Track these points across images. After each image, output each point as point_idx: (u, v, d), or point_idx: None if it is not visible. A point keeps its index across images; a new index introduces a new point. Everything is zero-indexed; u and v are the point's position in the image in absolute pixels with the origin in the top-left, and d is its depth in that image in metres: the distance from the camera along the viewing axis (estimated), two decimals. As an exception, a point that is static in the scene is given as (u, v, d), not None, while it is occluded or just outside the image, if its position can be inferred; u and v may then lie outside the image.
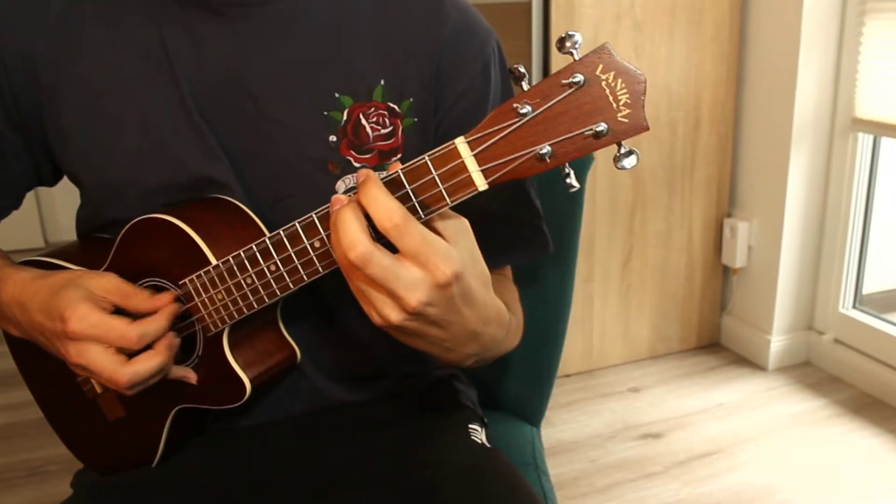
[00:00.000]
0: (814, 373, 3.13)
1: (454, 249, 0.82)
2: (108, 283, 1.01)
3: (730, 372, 3.18)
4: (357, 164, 1.07)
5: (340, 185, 1.07)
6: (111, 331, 0.97)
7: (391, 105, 1.07)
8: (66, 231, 4.49)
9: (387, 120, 1.07)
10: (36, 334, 1.05)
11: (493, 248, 0.92)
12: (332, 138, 1.06)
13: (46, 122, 1.09)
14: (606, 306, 3.15)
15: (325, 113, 1.06)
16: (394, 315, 0.82)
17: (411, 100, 1.08)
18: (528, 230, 1.18)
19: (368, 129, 1.07)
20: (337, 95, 1.06)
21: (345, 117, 1.06)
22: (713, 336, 3.39)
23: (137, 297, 1.01)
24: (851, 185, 2.93)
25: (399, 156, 1.08)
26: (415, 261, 0.80)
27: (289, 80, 1.06)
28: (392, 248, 0.80)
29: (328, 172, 1.07)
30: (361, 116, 1.07)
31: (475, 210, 0.87)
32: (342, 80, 1.07)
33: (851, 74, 2.84)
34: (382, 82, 1.07)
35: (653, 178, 3.03)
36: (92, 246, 1.16)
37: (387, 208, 0.78)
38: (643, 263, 3.14)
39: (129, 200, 1.08)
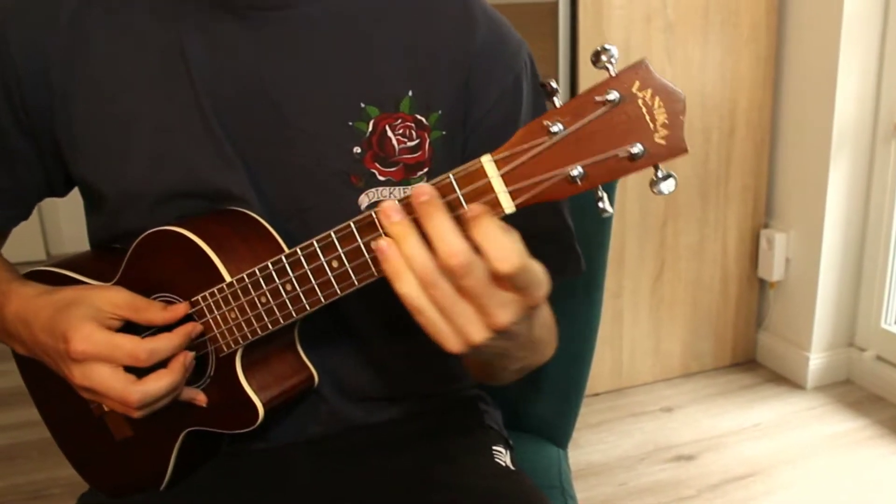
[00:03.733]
0: (855, 391, 3.12)
1: (543, 271, 0.81)
2: (116, 297, 1.02)
3: (766, 390, 3.17)
4: (381, 178, 1.08)
5: (364, 200, 1.07)
6: (118, 349, 0.98)
7: (418, 117, 1.08)
8: (70, 243, 4.49)
9: (413, 132, 1.08)
10: (41, 354, 1.06)
11: None
12: (357, 150, 1.07)
13: (57, 126, 1.09)
14: (637, 322, 3.16)
15: (350, 123, 1.06)
16: (478, 334, 0.80)
17: (439, 112, 1.09)
18: (559, 249, 1.17)
19: (394, 142, 1.07)
20: (363, 105, 1.07)
21: (370, 128, 1.07)
22: (749, 353, 3.39)
23: (151, 310, 1.02)
24: (894, 194, 2.93)
25: (426, 169, 1.09)
26: (515, 291, 0.79)
27: (312, 87, 1.07)
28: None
29: (351, 185, 1.07)
30: (388, 128, 1.07)
31: None
32: (368, 89, 1.07)
33: (894, 78, 2.85)
34: (410, 93, 1.08)
35: (685, 188, 3.03)
36: (103, 257, 1.17)
37: (508, 250, 0.75)
38: (675, 277, 3.15)
39: (142, 210, 1.08)
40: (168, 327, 1.03)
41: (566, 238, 1.17)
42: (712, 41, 2.91)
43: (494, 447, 1.24)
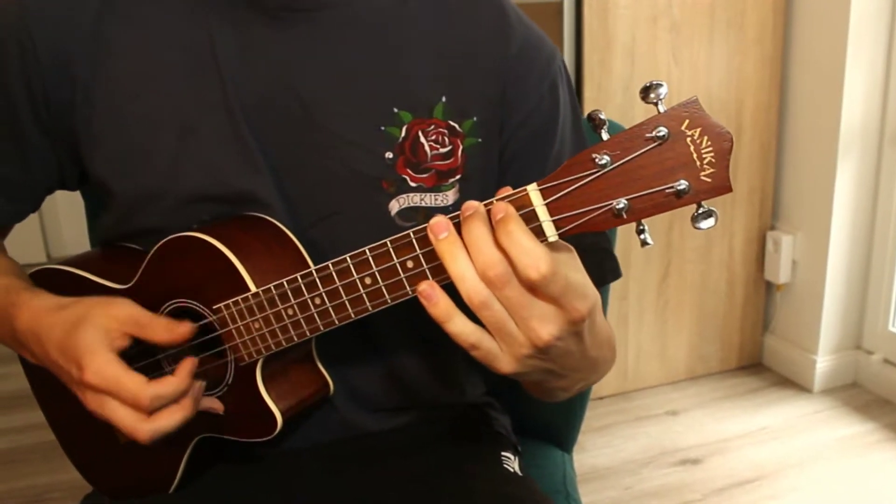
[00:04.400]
0: (862, 395, 3.13)
1: (589, 284, 0.82)
2: (120, 313, 0.99)
3: (773, 394, 3.18)
4: (413, 184, 1.07)
5: (394, 205, 1.07)
6: (123, 390, 0.95)
7: (452, 123, 1.08)
8: (70, 245, 4.48)
9: (446, 139, 1.08)
10: (54, 370, 1.04)
11: None
12: (389, 155, 1.06)
13: (78, 123, 1.08)
14: (642, 325, 3.16)
15: (383, 128, 1.06)
16: (525, 350, 0.81)
17: (474, 119, 1.09)
18: (598, 255, 1.16)
19: (427, 148, 1.07)
20: (395, 110, 1.06)
21: (403, 134, 1.06)
22: (755, 356, 3.39)
23: (155, 328, 0.99)
24: (902, 196, 2.93)
25: (458, 176, 1.09)
26: (553, 302, 0.79)
27: (344, 91, 1.06)
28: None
29: (381, 190, 1.07)
30: (420, 134, 1.07)
31: None
32: (402, 94, 1.07)
33: (902, 79, 2.85)
34: (444, 99, 1.07)
35: (691, 189, 3.01)
36: (118, 257, 1.15)
37: (535, 256, 0.76)
38: (681, 279, 3.15)
39: (162, 210, 1.07)
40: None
41: (602, 244, 1.18)
42: (718, 42, 2.91)
43: (503, 453, 1.24)
